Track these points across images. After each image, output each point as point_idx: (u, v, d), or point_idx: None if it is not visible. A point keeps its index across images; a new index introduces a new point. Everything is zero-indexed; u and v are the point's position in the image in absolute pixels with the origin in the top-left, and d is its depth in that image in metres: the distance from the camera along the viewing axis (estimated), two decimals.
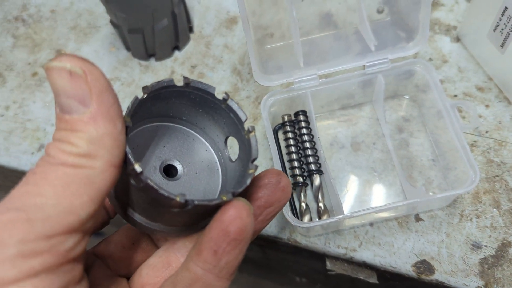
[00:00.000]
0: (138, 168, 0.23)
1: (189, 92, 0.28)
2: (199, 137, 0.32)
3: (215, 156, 0.32)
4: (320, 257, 0.48)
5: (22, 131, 0.55)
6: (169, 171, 0.30)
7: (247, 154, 0.28)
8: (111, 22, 0.54)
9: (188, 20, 0.57)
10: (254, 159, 0.27)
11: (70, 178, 0.21)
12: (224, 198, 0.25)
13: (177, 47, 0.57)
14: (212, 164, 0.31)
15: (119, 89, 0.56)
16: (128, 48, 0.58)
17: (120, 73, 0.57)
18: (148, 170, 0.29)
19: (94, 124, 0.22)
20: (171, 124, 0.31)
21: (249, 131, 0.28)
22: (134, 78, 0.56)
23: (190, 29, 0.58)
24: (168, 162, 0.30)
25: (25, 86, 0.58)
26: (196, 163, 0.31)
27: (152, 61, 0.57)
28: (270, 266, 0.62)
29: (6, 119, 0.56)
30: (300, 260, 0.54)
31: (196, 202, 0.24)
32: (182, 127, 0.31)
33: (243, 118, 0.29)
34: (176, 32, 0.55)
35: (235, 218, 0.24)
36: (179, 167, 0.30)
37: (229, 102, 0.29)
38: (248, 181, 0.26)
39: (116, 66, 0.58)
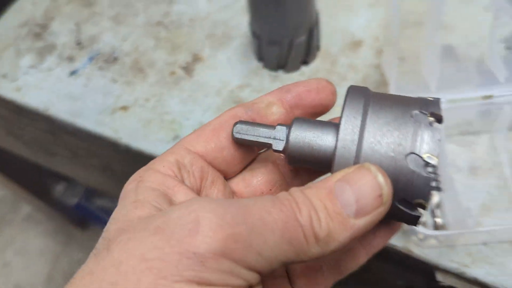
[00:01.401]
0: None
1: None
2: None
3: None
4: (426, 270, 0.50)
5: (159, 121, 0.62)
6: None
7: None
8: (253, 32, 0.60)
9: (318, 38, 0.63)
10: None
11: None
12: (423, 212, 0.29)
13: (306, 62, 0.62)
14: None
15: (250, 95, 0.62)
16: (260, 59, 0.64)
17: (251, 81, 0.63)
18: None
19: (347, 234, 0.25)
20: None
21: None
22: (264, 86, 0.62)
23: (318, 47, 0.63)
24: None
25: (164, 82, 0.65)
26: None
27: (281, 72, 0.63)
28: (364, 278, 0.64)
29: (145, 110, 0.63)
30: (402, 273, 0.56)
31: None
32: None
33: None
34: (309, 48, 0.60)
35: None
36: None
37: None
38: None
39: (247, 74, 0.64)
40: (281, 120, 0.33)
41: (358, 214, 0.25)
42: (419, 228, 0.44)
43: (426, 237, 0.47)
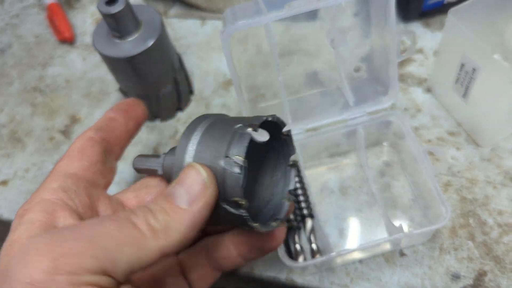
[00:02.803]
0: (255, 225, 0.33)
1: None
2: None
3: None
4: None
5: None
6: None
7: (282, 182, 0.39)
8: (120, 89, 0.61)
9: (189, 84, 0.64)
10: (291, 189, 0.38)
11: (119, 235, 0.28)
12: (275, 225, 0.35)
13: (180, 108, 0.64)
14: None
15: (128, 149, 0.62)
16: None
17: None
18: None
19: (184, 221, 0.30)
20: None
21: (293, 164, 0.39)
22: (141, 138, 0.62)
23: (191, 92, 0.65)
24: None
25: (44, 150, 0.64)
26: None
27: (157, 122, 0.64)
28: None
29: (26, 181, 0.62)
30: None
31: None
32: None
33: (293, 152, 0.39)
34: (179, 95, 0.61)
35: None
36: None
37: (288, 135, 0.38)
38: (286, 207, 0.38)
39: None
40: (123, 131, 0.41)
41: (191, 201, 0.30)
42: (284, 259, 0.45)
43: (304, 266, 0.49)
